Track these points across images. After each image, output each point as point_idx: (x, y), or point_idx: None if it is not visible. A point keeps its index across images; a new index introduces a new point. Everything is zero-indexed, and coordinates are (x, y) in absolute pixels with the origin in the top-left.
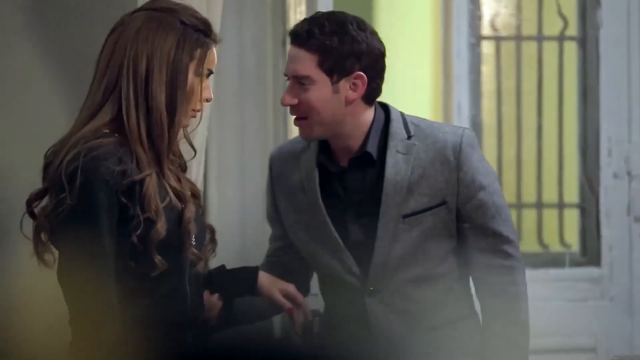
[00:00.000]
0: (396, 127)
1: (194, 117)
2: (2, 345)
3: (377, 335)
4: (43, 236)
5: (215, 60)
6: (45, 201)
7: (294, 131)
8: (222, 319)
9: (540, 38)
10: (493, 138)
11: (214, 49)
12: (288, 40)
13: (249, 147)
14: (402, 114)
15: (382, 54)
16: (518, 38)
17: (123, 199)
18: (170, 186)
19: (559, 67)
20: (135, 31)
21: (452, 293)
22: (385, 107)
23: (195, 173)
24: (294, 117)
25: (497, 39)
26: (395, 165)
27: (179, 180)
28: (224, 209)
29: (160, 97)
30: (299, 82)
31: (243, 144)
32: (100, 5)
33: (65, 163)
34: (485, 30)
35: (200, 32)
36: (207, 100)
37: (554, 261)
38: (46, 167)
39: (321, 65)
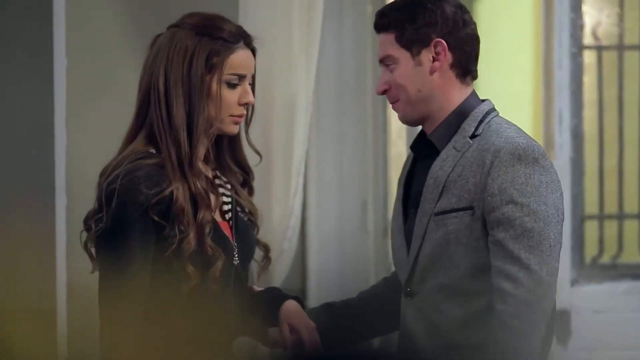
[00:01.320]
0: (469, 122)
1: (237, 122)
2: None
3: (406, 340)
4: (89, 248)
5: (245, 63)
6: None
7: (394, 141)
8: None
9: None
10: (594, 148)
11: (241, 52)
12: None
13: (348, 157)
14: (489, 112)
15: (463, 21)
16: (620, 47)
17: (157, 219)
18: (199, 195)
19: None
20: (157, 51)
21: (489, 317)
22: (484, 102)
23: (294, 183)
24: (390, 103)
25: (599, 49)
26: (444, 160)
27: (213, 187)
28: (322, 219)
29: (178, 112)
30: (386, 65)
31: (342, 155)
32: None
33: (105, 185)
34: (587, 39)
35: (219, 39)
36: (247, 104)
37: None
38: (99, 185)
39: (399, 40)
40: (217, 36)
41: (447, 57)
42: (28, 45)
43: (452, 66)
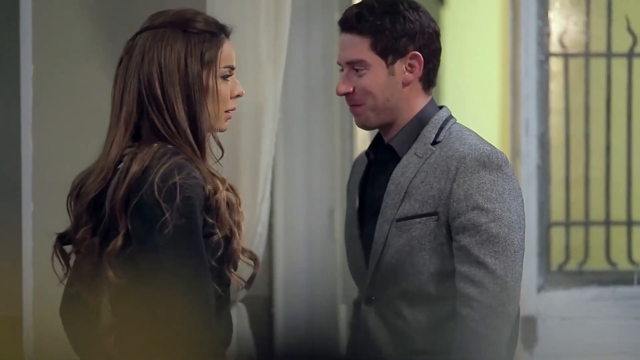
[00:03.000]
0: (429, 129)
1: (230, 117)
2: None
3: (366, 348)
4: (110, 263)
5: (232, 54)
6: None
7: (360, 148)
8: None
9: (609, 55)
10: (561, 155)
11: (227, 44)
12: None
13: (316, 164)
14: (447, 119)
15: (436, 34)
16: (587, 55)
17: (209, 219)
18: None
19: (628, 84)
20: (141, 56)
21: (453, 322)
22: (440, 109)
23: (261, 190)
24: (350, 105)
25: (566, 56)
26: (405, 166)
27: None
28: (290, 227)
29: (180, 114)
30: (353, 68)
31: (310, 162)
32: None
33: (159, 181)
34: (554, 47)
35: (205, 33)
36: (239, 96)
37: (622, 279)
38: (95, 198)
39: (374, 47)
40: (203, 30)
41: (420, 69)
42: None
43: (421, 79)
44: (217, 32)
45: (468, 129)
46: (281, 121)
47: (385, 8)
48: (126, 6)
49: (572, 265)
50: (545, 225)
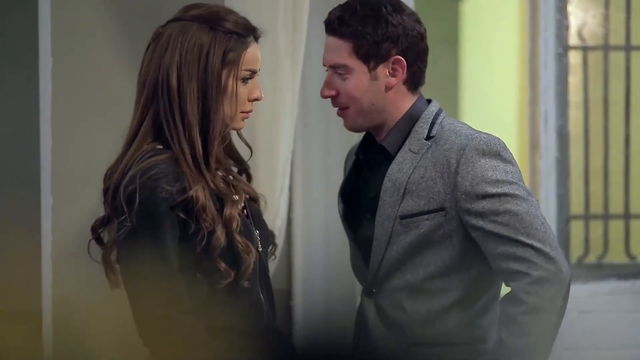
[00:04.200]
0: (421, 125)
1: (246, 117)
2: None
3: (366, 339)
4: (111, 260)
5: (257, 58)
6: (108, 227)
7: None
8: None
9: (628, 47)
10: (580, 148)
11: (253, 47)
12: None
13: (334, 158)
14: (438, 114)
15: (421, 36)
16: (605, 48)
17: (182, 215)
18: (222, 193)
19: None
20: (166, 45)
21: (453, 314)
22: (429, 102)
23: (280, 184)
24: (336, 108)
25: (585, 49)
26: (401, 163)
27: (227, 184)
28: (308, 220)
29: (192, 109)
30: (336, 72)
31: (328, 155)
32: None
33: (123, 186)
34: (573, 40)
35: (232, 34)
36: (257, 99)
37: None
38: (106, 191)
39: (356, 52)
40: (230, 30)
41: (403, 73)
42: (13, 45)
43: (406, 82)
44: (245, 34)
45: (459, 121)
46: (299, 116)
47: (367, 12)
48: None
49: (591, 259)
50: (564, 219)
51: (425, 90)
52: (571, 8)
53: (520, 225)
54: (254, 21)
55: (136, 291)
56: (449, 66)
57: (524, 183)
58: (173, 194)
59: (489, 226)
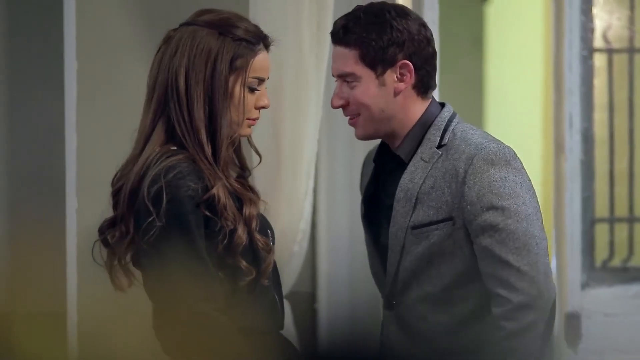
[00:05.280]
0: (433, 132)
1: (253, 124)
2: None
3: (390, 352)
4: (119, 262)
5: (266, 66)
6: (118, 229)
7: None
8: None
9: None
10: (605, 151)
11: (262, 55)
12: None
13: (358, 159)
14: (451, 119)
15: (427, 40)
16: (631, 50)
17: (207, 213)
18: (240, 192)
19: None
20: (175, 49)
21: (476, 323)
22: (443, 108)
23: (304, 186)
24: (347, 117)
25: (609, 52)
26: (413, 172)
27: (243, 185)
28: (333, 223)
29: (199, 113)
30: (345, 81)
31: (352, 157)
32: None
33: (146, 186)
34: (598, 42)
35: (241, 41)
36: (263, 107)
37: None
38: (116, 193)
39: (362, 59)
40: (240, 37)
41: (411, 78)
42: (38, 47)
43: (415, 86)
44: (255, 41)
45: (472, 126)
46: (323, 117)
47: (371, 18)
48: (168, 2)
49: (616, 262)
50: (589, 222)
51: (450, 93)
52: (596, 10)
53: (514, 245)
54: (278, 22)
55: (170, 290)
56: (473, 68)
57: (534, 193)
58: (198, 191)
59: (485, 241)
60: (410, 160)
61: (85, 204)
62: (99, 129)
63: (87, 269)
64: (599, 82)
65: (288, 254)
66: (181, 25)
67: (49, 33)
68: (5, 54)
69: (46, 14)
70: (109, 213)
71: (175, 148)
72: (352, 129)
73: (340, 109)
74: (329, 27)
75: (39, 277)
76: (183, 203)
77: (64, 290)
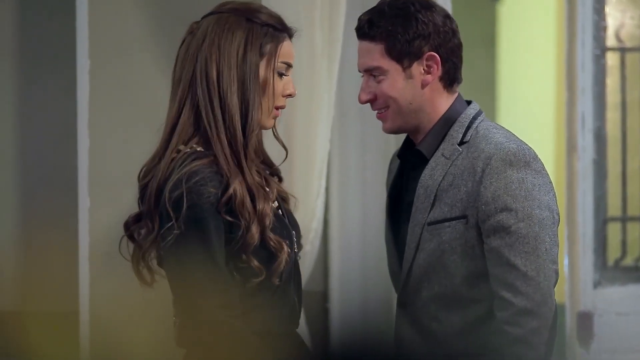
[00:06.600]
0: (456, 129)
1: (277, 115)
2: None
3: (401, 351)
4: (143, 258)
5: (292, 53)
6: (144, 225)
7: None
8: None
9: None
10: (617, 150)
11: (288, 42)
12: None
13: (370, 159)
14: (475, 117)
15: (453, 31)
16: None
17: (229, 218)
18: (255, 188)
19: None
20: (202, 37)
21: (488, 323)
22: (469, 104)
23: (316, 186)
24: (375, 111)
25: (622, 51)
26: (433, 168)
27: (261, 177)
28: (345, 222)
29: (232, 99)
30: (371, 75)
31: (364, 157)
32: None
33: (168, 191)
34: (610, 41)
35: (268, 26)
36: (290, 96)
37: None
38: (144, 187)
39: (389, 52)
40: (267, 22)
41: (438, 69)
42: (51, 47)
43: (441, 78)
44: (280, 28)
45: (496, 125)
46: (336, 117)
47: (396, 12)
48: (181, 0)
49: (628, 261)
50: (602, 221)
51: (463, 92)
52: (609, 9)
53: (523, 249)
54: (290, 20)
55: (188, 297)
56: (486, 67)
57: (553, 196)
58: (218, 196)
59: (495, 242)
60: (432, 156)
61: (97, 203)
62: (111, 128)
63: (99, 268)
64: (612, 81)
65: (300, 252)
66: (204, 16)
67: (62, 32)
68: (18, 53)
69: (58, 12)
70: (121, 212)
71: (201, 149)
72: (364, 128)
73: (363, 104)
74: (341, 28)
75: (51, 276)
76: (203, 209)
77: (76, 289)
